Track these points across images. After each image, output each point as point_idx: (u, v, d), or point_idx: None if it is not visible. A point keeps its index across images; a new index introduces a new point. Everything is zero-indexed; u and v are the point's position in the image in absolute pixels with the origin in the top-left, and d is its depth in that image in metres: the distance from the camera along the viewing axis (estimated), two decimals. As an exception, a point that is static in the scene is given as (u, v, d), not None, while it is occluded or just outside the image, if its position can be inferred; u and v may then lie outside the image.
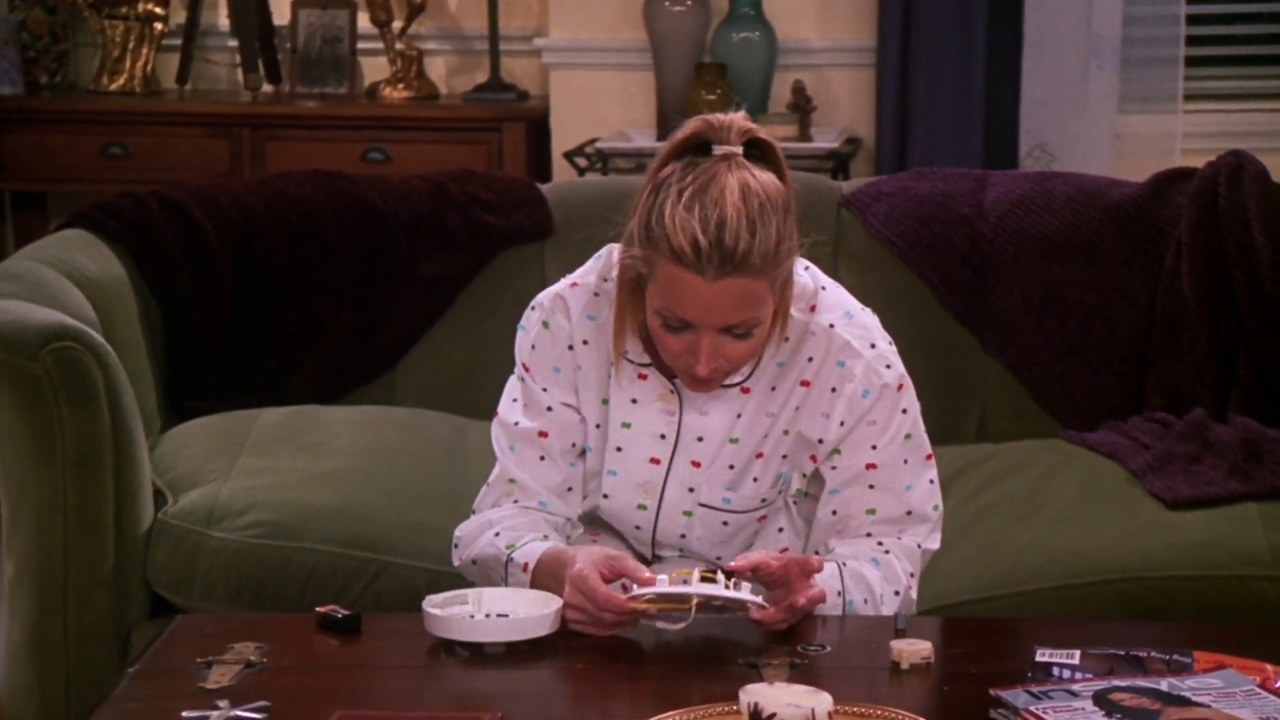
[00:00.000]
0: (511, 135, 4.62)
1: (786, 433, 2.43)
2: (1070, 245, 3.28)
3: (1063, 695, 1.98)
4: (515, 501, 2.47)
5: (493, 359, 3.32)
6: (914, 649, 2.17)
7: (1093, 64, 4.53)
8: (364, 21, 4.94)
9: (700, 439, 2.44)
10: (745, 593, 2.21)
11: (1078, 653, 2.12)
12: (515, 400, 2.49)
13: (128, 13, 4.93)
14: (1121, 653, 2.12)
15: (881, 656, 2.18)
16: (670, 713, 1.98)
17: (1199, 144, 4.41)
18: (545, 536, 2.41)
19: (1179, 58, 4.54)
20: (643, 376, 2.43)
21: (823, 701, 1.93)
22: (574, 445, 2.47)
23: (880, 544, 2.42)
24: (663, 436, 2.44)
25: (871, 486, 2.42)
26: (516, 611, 2.27)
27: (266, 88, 4.90)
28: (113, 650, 2.78)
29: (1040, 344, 3.26)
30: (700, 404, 2.42)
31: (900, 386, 2.41)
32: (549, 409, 2.45)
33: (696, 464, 2.45)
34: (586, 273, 2.48)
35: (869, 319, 2.45)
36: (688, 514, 2.47)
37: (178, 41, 4.93)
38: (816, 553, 2.45)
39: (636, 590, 2.21)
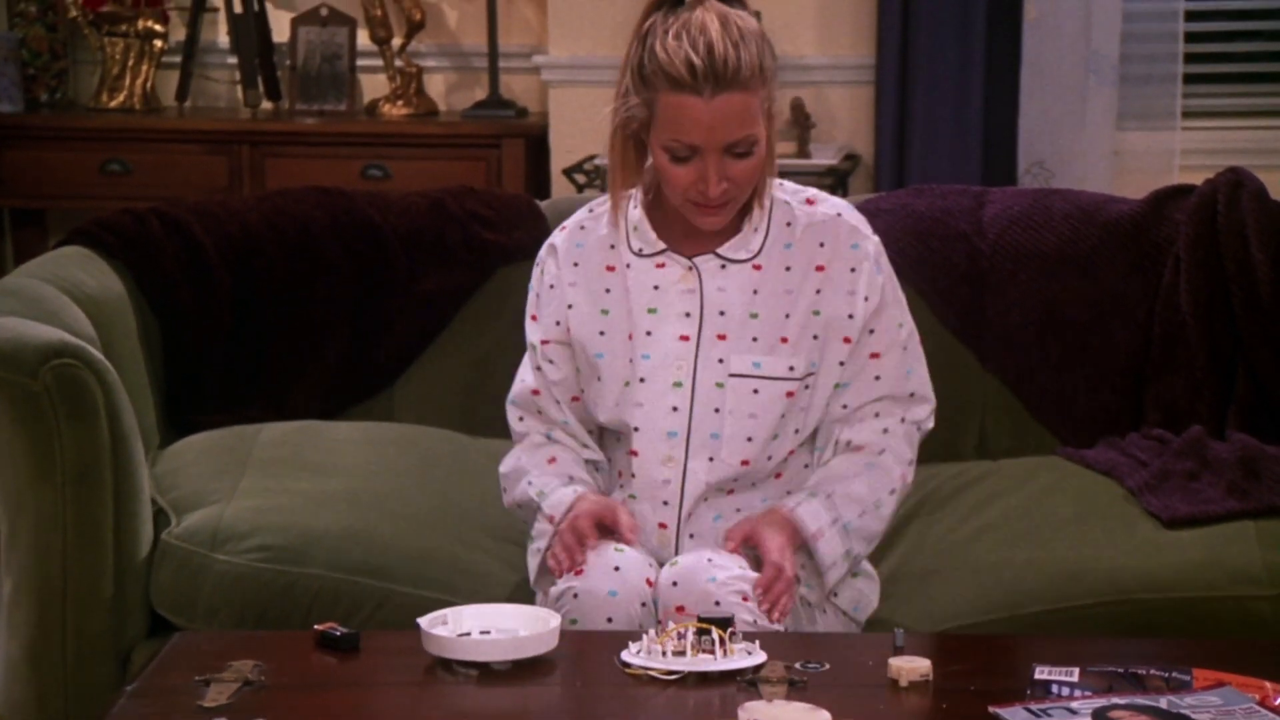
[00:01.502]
0: (510, 152, 4.63)
1: (817, 313, 2.60)
2: (1069, 262, 3.28)
3: (1062, 713, 1.98)
4: (539, 413, 2.68)
5: (491, 374, 3.32)
6: (913, 666, 2.17)
7: (1091, 81, 4.54)
8: (363, 39, 4.95)
9: (722, 313, 2.60)
10: (740, 655, 2.21)
11: (1077, 670, 2.12)
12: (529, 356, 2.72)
13: (127, 30, 4.94)
14: (1121, 670, 2.12)
15: (880, 674, 2.18)
16: (669, 730, 1.98)
17: (1197, 161, 4.42)
18: (571, 478, 2.61)
19: (1177, 75, 4.55)
20: (660, 265, 2.63)
21: (821, 719, 1.93)
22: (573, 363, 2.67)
23: (885, 430, 2.63)
24: (687, 315, 2.61)
25: (877, 378, 2.64)
26: (501, 628, 2.27)
27: (266, 105, 4.91)
28: (111, 668, 2.77)
29: (1039, 360, 3.26)
30: (718, 279, 2.61)
31: (886, 259, 2.67)
32: (544, 341, 2.68)
33: (722, 336, 2.60)
34: (576, 214, 2.73)
35: (856, 212, 2.69)
36: (720, 385, 2.60)
37: (177, 59, 4.94)
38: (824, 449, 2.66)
39: (631, 659, 2.21)
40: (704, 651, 2.21)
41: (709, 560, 2.48)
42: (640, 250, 2.64)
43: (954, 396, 3.23)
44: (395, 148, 4.69)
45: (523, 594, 2.70)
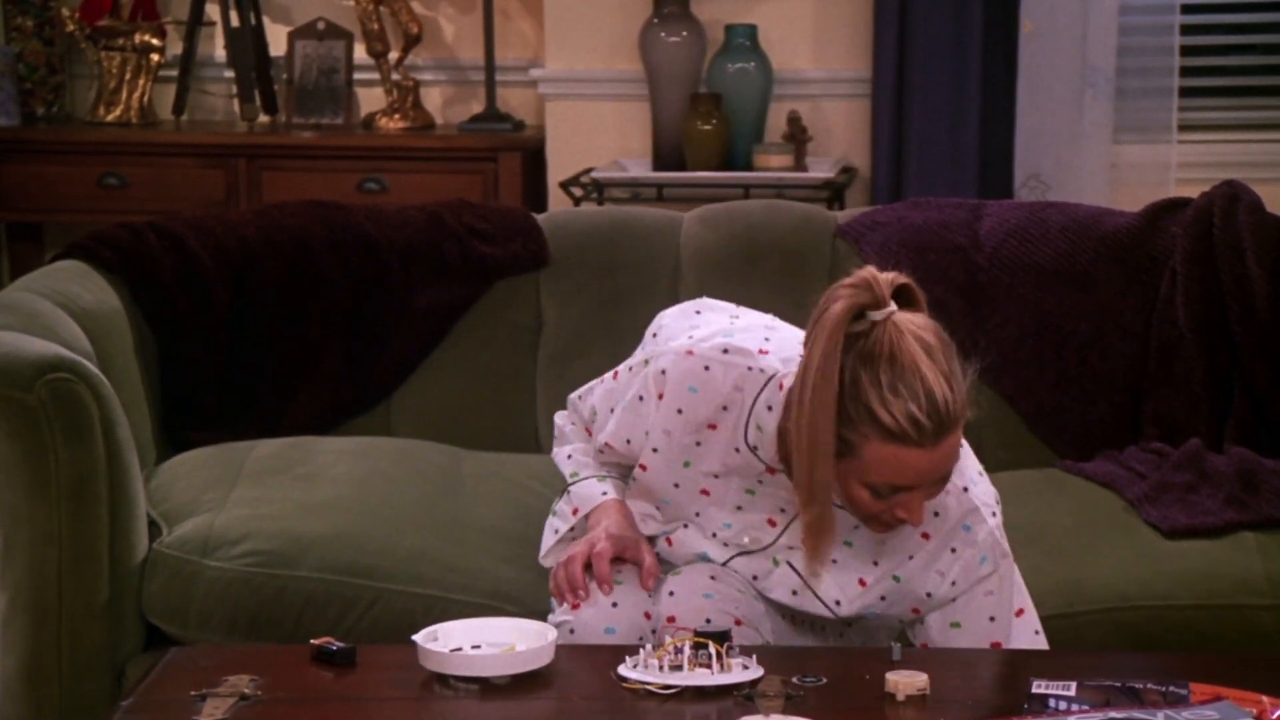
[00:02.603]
0: (507, 165, 4.63)
1: (897, 579, 2.45)
2: (1065, 275, 3.28)
3: (1059, 727, 1.98)
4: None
5: (489, 388, 3.32)
6: (910, 680, 2.17)
7: (1088, 94, 4.54)
8: (360, 52, 4.95)
9: None
10: (737, 669, 2.20)
11: (1074, 684, 2.12)
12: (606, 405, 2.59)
13: (124, 44, 4.94)
14: (1118, 684, 2.12)
15: (877, 688, 2.18)
16: (665, 745, 1.98)
17: (1194, 174, 4.42)
18: (604, 476, 2.58)
19: (1174, 88, 4.55)
20: (771, 471, 2.45)
21: (818, 734, 1.93)
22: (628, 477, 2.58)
23: (989, 593, 2.46)
24: (784, 510, 2.48)
25: (992, 619, 2.47)
26: (496, 641, 2.27)
27: (263, 118, 4.91)
28: (107, 683, 2.77)
29: (1036, 374, 3.26)
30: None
31: (1008, 558, 2.46)
32: (628, 441, 2.55)
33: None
34: (708, 348, 2.46)
35: (989, 485, 2.50)
36: (775, 563, 2.50)
37: (174, 72, 4.94)
38: None
39: (628, 673, 2.21)
40: (701, 666, 2.20)
41: (711, 578, 2.48)
42: (756, 449, 2.44)
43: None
44: (392, 161, 4.69)
45: (516, 592, 2.70)
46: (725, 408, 2.44)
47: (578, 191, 4.44)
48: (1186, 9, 4.60)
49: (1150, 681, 2.13)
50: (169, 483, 2.97)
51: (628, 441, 2.54)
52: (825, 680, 2.21)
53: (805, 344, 2.29)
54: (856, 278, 2.28)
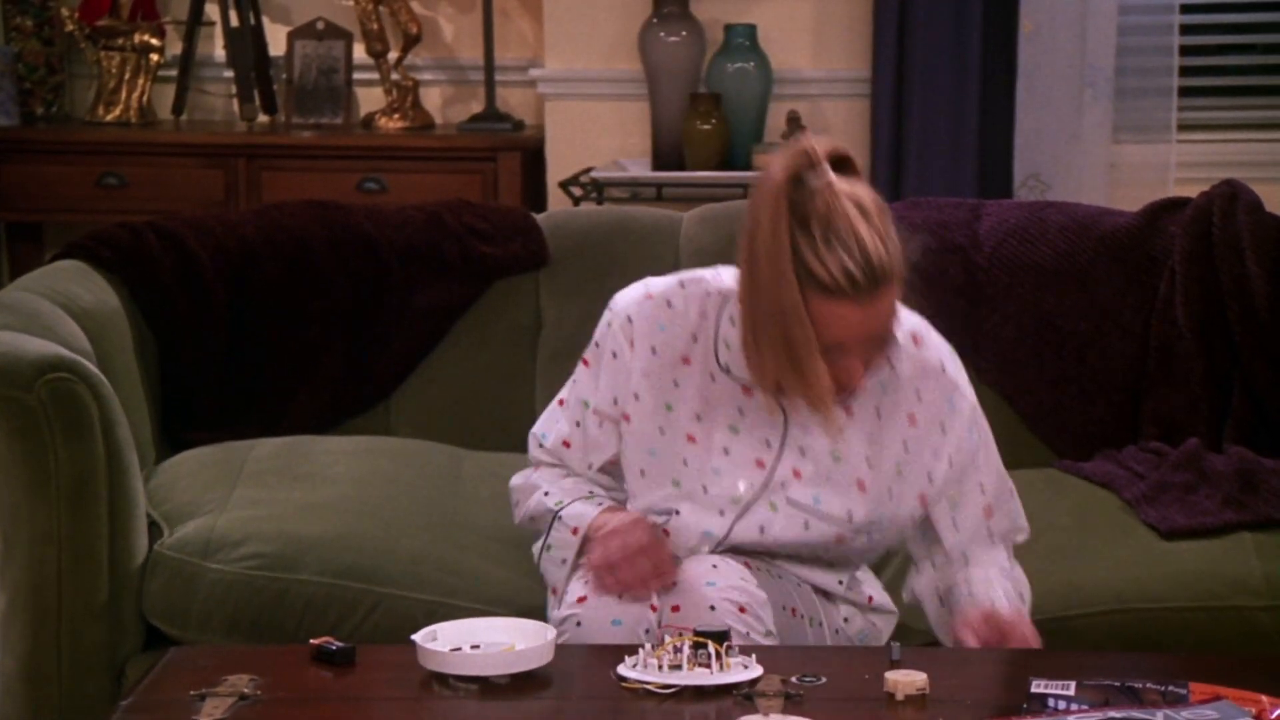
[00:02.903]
0: (507, 165, 4.63)
1: (900, 471, 2.52)
2: (1065, 274, 3.29)
3: (1058, 727, 1.98)
4: (561, 463, 2.62)
5: (488, 388, 3.32)
6: (909, 680, 2.17)
7: (1087, 94, 4.54)
8: (360, 52, 4.95)
9: (803, 452, 2.51)
10: (736, 669, 2.20)
11: (1073, 684, 2.12)
12: (569, 395, 2.62)
13: (124, 44, 4.94)
14: (1117, 684, 2.12)
15: (876, 688, 2.18)
16: (665, 745, 1.98)
17: (1193, 174, 4.41)
18: (591, 494, 2.57)
19: (1173, 88, 4.55)
20: (748, 391, 2.51)
21: (818, 733, 1.93)
22: (614, 447, 2.57)
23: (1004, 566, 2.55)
24: (768, 444, 2.52)
25: (990, 533, 2.56)
26: (495, 641, 2.27)
27: (262, 118, 4.90)
28: (106, 683, 2.77)
29: (1035, 373, 3.26)
30: (804, 416, 2.50)
31: (987, 429, 2.58)
32: (591, 411, 2.58)
33: (798, 473, 2.52)
34: (665, 285, 2.57)
35: (960, 365, 2.59)
36: (773, 507, 2.53)
37: (173, 72, 4.94)
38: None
39: (627, 673, 2.21)
40: (700, 665, 2.21)
41: (713, 566, 2.48)
42: (729, 369, 2.52)
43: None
44: (391, 161, 4.69)
45: (517, 595, 2.70)
46: (695, 338, 2.52)
47: (577, 191, 4.44)
48: (1186, 9, 4.60)
49: (1149, 681, 2.13)
50: (169, 483, 2.97)
51: (615, 401, 2.56)
52: (825, 680, 2.21)
53: (749, 213, 2.39)
54: (794, 145, 2.39)
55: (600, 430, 2.58)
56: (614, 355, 2.56)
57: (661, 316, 2.54)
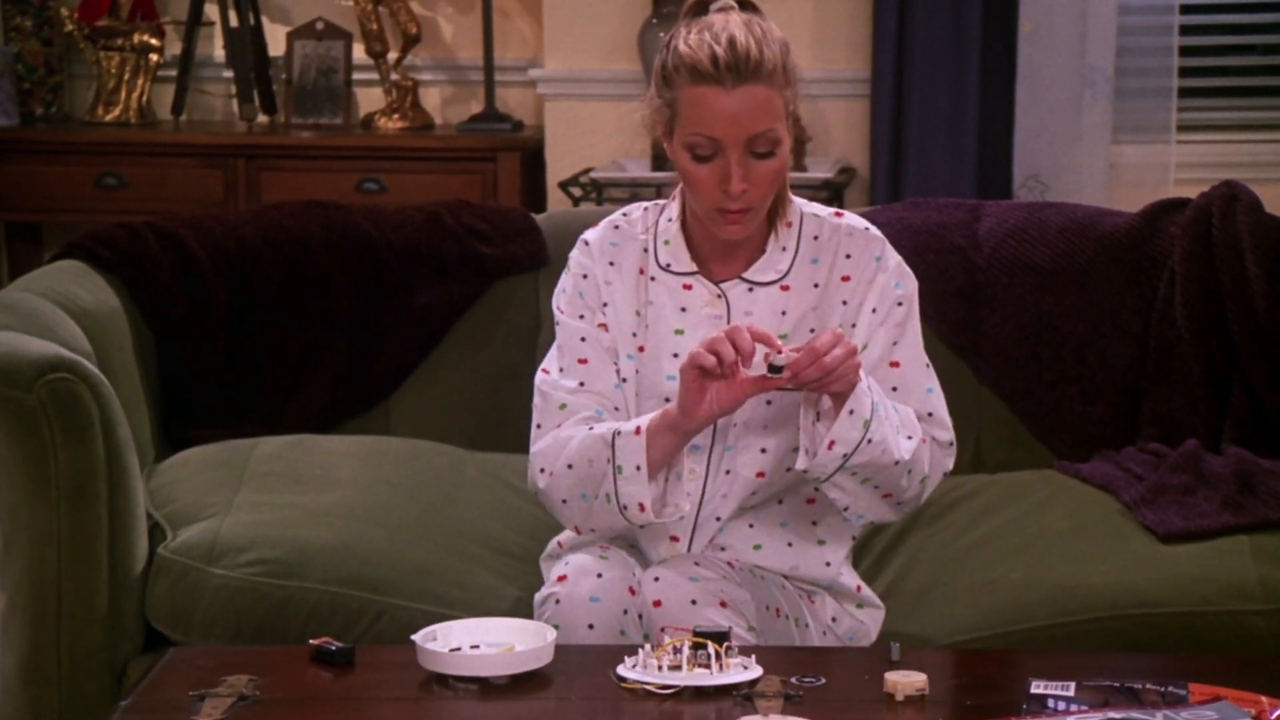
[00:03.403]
0: (506, 165, 4.63)
1: (840, 326, 2.55)
2: (1064, 275, 3.28)
3: (1058, 727, 1.98)
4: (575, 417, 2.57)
5: (488, 388, 3.32)
6: (909, 681, 2.17)
7: (1086, 95, 4.55)
8: (359, 52, 4.95)
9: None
10: (736, 669, 2.21)
11: (1073, 685, 2.12)
12: (552, 359, 2.63)
13: (123, 44, 4.94)
14: (1117, 685, 2.12)
15: (876, 688, 2.18)
16: (664, 745, 1.98)
17: (1192, 174, 4.42)
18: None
19: (1173, 88, 4.55)
20: (688, 286, 2.59)
21: (817, 734, 1.93)
22: (615, 364, 2.60)
23: (909, 438, 2.50)
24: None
25: (895, 389, 2.56)
26: (494, 642, 2.27)
27: (262, 118, 4.91)
28: (106, 683, 2.76)
29: (1034, 374, 3.26)
30: (744, 303, 2.58)
31: (917, 297, 2.63)
32: (583, 339, 2.61)
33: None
34: (614, 213, 2.69)
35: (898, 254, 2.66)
36: (729, 447, 2.55)
37: (173, 73, 4.95)
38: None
39: (627, 673, 2.21)
40: (700, 666, 2.21)
41: (695, 564, 2.49)
42: (669, 266, 2.61)
43: (949, 410, 3.23)
44: (391, 161, 4.70)
45: (517, 608, 2.70)
46: (645, 250, 2.63)
47: (577, 192, 4.44)
48: (1186, 9, 4.61)
49: (1149, 682, 2.13)
50: (171, 483, 2.96)
51: (582, 339, 2.60)
52: (824, 680, 2.21)
53: (661, 46, 2.53)
54: None
55: (605, 348, 2.60)
56: (584, 276, 2.63)
57: (611, 235, 2.65)
